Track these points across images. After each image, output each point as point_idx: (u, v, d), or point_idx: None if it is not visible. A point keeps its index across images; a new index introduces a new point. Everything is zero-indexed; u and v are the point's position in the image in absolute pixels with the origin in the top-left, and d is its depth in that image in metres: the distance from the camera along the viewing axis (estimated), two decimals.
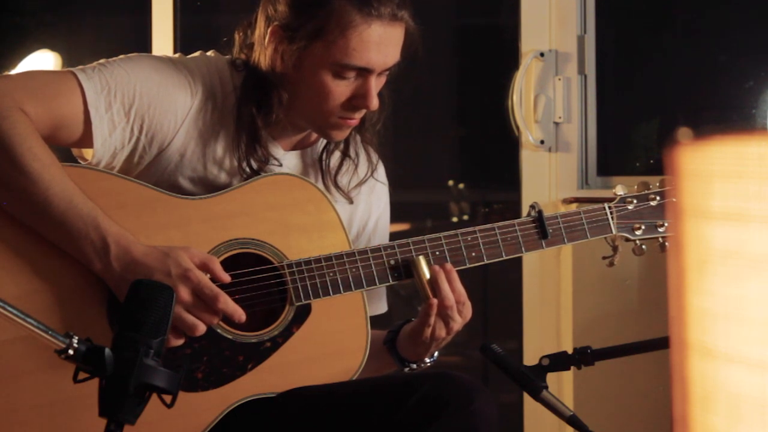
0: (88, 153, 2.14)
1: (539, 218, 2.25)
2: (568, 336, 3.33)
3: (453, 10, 4.24)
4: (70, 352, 1.55)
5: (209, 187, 2.18)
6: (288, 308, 2.15)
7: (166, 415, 1.68)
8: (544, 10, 3.41)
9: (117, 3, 4.32)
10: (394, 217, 2.45)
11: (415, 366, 2.24)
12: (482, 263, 2.23)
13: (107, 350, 1.57)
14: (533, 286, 3.42)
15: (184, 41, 3.74)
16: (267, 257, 2.14)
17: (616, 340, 2.29)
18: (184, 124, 2.15)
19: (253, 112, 2.16)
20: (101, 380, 1.58)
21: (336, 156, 2.30)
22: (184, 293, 2.01)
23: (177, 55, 2.23)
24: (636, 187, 2.33)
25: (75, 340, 1.56)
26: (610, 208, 2.30)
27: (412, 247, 2.19)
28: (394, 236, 2.33)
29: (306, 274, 2.14)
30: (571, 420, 2.06)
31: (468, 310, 2.17)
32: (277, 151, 2.23)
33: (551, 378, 2.10)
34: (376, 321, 2.26)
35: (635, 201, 2.30)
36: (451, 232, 2.21)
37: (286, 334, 2.15)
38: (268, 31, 2.15)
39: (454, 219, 4.15)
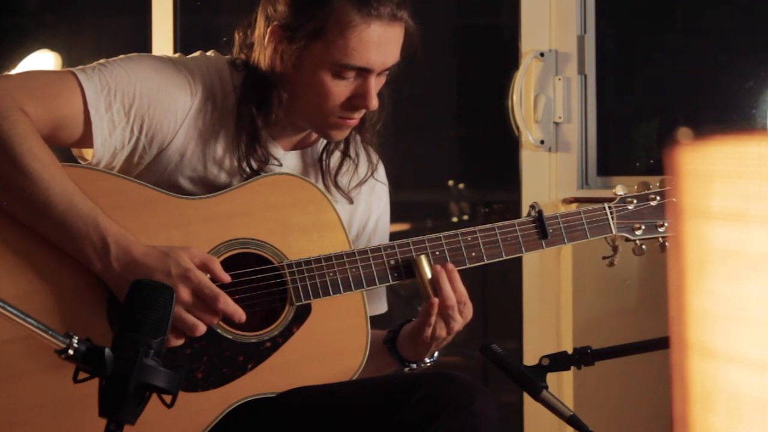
0: (88, 153, 2.14)
1: (539, 218, 2.25)
2: (568, 336, 3.33)
3: (453, 10, 4.24)
4: (70, 352, 1.55)
5: (209, 187, 2.18)
6: (288, 308, 2.15)
7: (166, 415, 1.68)
8: (544, 10, 3.41)
9: (117, 3, 4.32)
10: (394, 217, 2.45)
11: (415, 366, 2.24)
12: (482, 263, 2.23)
13: (107, 350, 1.57)
14: (533, 286, 3.42)
15: (184, 41, 3.74)
16: (267, 257, 2.14)
17: (616, 340, 2.29)
18: (184, 124, 2.15)
19: (253, 112, 2.16)
20: (101, 380, 1.58)
21: (336, 156, 2.30)
22: (184, 293, 2.02)
23: (177, 55, 2.23)
24: (636, 187, 2.33)
25: (75, 340, 1.56)
26: (610, 208, 2.30)
27: (412, 247, 2.19)
28: (394, 236, 2.33)
29: (306, 274, 2.14)
30: (571, 420, 2.06)
31: (469, 310, 2.17)
32: (277, 151, 2.23)
33: (551, 378, 2.10)
34: (376, 321, 2.26)
35: (635, 201, 2.30)
36: (451, 232, 2.21)
37: (286, 334, 2.15)
38: (268, 30, 2.15)
39: (454, 219, 4.15)
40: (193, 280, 2.02)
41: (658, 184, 2.33)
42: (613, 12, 3.52)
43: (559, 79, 3.40)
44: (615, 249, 2.31)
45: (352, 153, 2.30)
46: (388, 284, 2.21)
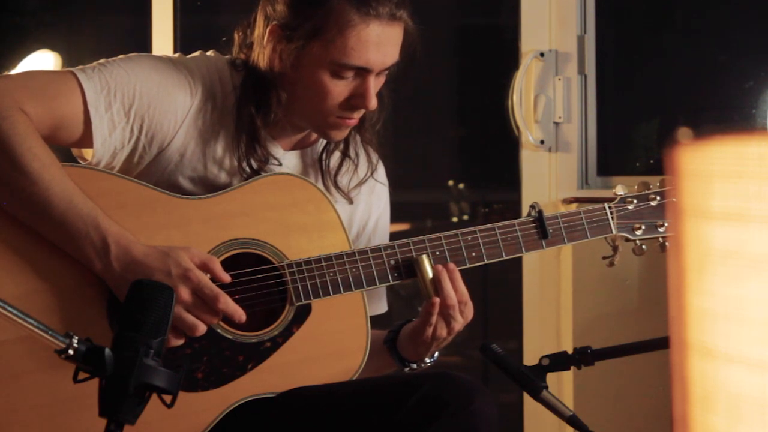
0: (88, 153, 2.14)
1: (539, 218, 2.25)
2: (568, 336, 3.33)
3: (453, 10, 4.24)
4: (70, 352, 1.55)
5: (209, 187, 2.18)
6: (288, 308, 2.15)
7: (166, 415, 1.68)
8: (544, 10, 3.41)
9: (117, 3, 4.32)
10: (394, 217, 2.45)
11: (415, 366, 2.24)
12: (482, 263, 2.23)
13: (107, 350, 1.57)
14: (533, 286, 3.42)
15: (184, 41, 3.74)
16: (267, 257, 2.14)
17: (616, 340, 2.29)
18: (183, 123, 2.15)
19: (252, 111, 2.16)
20: (101, 380, 1.58)
21: (336, 156, 2.30)
22: (185, 293, 2.02)
23: (177, 55, 2.23)
24: (636, 187, 2.33)
25: (75, 340, 1.56)
26: (610, 208, 2.30)
27: (412, 247, 2.19)
28: (394, 236, 2.33)
29: (306, 274, 2.14)
30: (571, 420, 2.06)
31: (470, 310, 2.17)
32: (277, 150, 2.23)
33: (551, 378, 2.10)
34: (376, 321, 2.26)
35: (635, 201, 2.30)
36: (451, 232, 2.21)
37: (286, 334, 2.15)
38: (267, 30, 2.15)
39: (454, 219, 4.15)
40: (193, 280, 2.02)
41: (658, 184, 2.33)
42: (613, 12, 3.53)
43: (559, 79, 3.40)
44: (615, 249, 2.31)
45: (351, 153, 2.30)
46: (388, 284, 2.21)
